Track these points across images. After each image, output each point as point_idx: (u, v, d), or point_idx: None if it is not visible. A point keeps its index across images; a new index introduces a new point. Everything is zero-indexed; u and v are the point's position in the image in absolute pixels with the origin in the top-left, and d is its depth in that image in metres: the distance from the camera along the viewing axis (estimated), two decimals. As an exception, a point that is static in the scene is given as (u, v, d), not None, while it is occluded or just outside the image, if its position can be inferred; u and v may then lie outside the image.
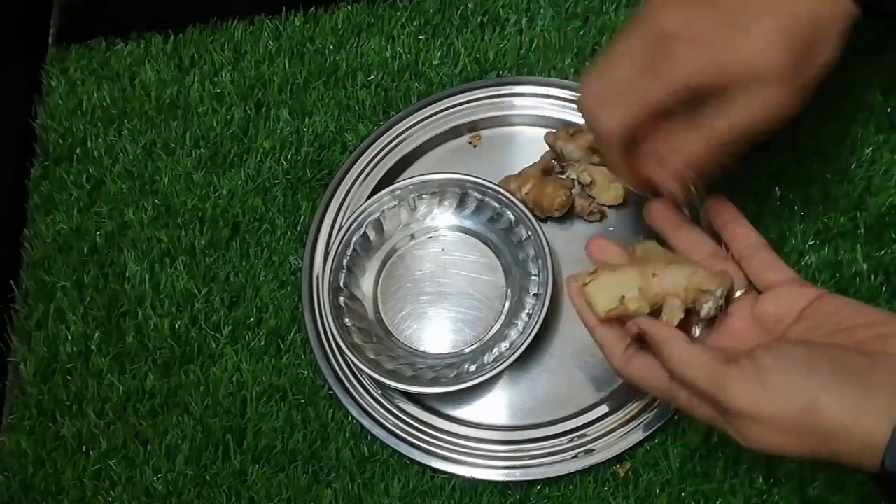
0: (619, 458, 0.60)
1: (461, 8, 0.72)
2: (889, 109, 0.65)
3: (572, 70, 0.70)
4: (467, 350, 0.63)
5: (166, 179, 0.69)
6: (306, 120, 0.70)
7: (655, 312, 0.50)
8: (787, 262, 0.52)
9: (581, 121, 0.67)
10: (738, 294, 0.52)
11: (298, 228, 0.68)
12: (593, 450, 0.59)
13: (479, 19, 0.72)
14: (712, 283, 0.49)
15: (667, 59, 0.47)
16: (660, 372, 0.49)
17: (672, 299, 0.49)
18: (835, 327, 0.46)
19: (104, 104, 0.73)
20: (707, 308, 0.50)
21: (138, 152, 0.71)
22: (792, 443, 0.44)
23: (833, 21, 0.47)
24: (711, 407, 0.46)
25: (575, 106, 0.68)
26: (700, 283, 0.49)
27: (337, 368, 0.63)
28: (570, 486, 0.59)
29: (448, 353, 0.64)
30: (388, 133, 0.69)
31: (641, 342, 0.50)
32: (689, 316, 0.51)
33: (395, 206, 0.65)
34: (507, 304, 0.64)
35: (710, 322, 0.52)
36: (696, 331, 0.53)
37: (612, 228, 0.66)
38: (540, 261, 0.62)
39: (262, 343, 0.64)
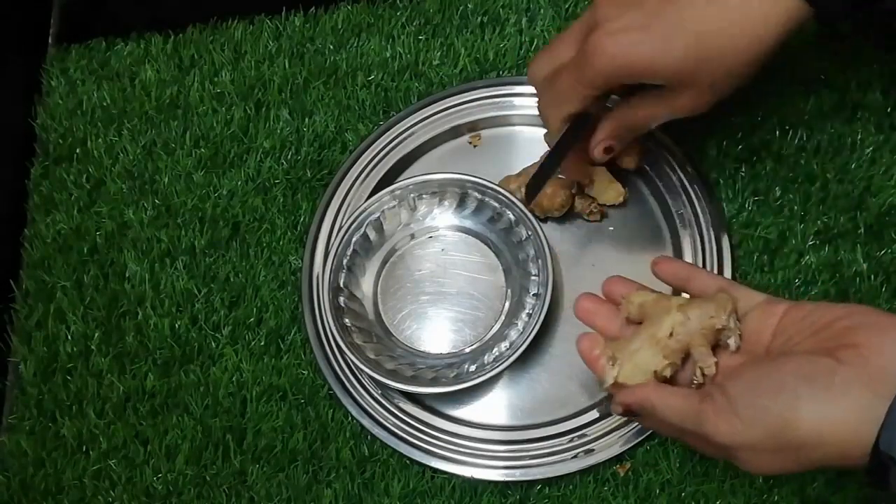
0: (619, 458, 0.60)
1: (461, 8, 0.72)
2: (889, 109, 0.65)
3: (572, 70, 0.70)
4: (467, 350, 0.63)
5: (166, 179, 0.69)
6: (306, 120, 0.70)
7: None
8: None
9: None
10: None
11: (298, 228, 0.68)
12: (593, 450, 0.59)
13: (479, 19, 0.72)
14: (721, 314, 0.49)
15: (591, 51, 0.52)
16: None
17: (697, 349, 0.49)
18: (806, 332, 0.46)
19: (104, 104, 0.73)
20: (733, 342, 0.49)
21: (138, 152, 0.71)
22: (789, 461, 0.44)
23: (743, 36, 0.49)
24: (709, 445, 0.47)
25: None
26: (712, 322, 0.49)
27: (337, 368, 0.63)
28: (570, 486, 0.59)
29: (448, 353, 0.64)
30: (388, 133, 0.69)
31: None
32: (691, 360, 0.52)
33: (395, 206, 0.65)
34: (507, 304, 0.64)
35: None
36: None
37: (612, 228, 0.66)
38: (540, 261, 0.62)
39: (262, 343, 0.64)
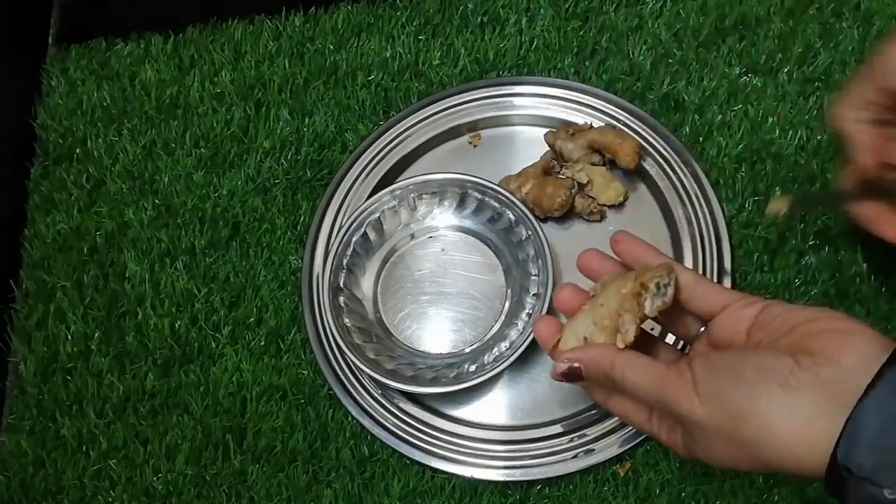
0: (619, 458, 0.60)
1: (461, 8, 0.72)
2: (889, 109, 0.65)
3: (572, 70, 0.70)
4: (467, 350, 0.63)
5: (166, 179, 0.69)
6: (306, 120, 0.70)
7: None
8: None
9: (580, 120, 0.68)
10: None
11: (298, 228, 0.68)
12: (593, 450, 0.59)
13: (479, 19, 0.72)
14: (646, 279, 0.49)
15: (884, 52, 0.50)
16: (637, 409, 0.49)
17: (624, 315, 0.49)
18: (776, 333, 0.45)
19: (104, 104, 0.73)
20: (648, 305, 0.48)
21: (138, 152, 0.71)
22: (742, 456, 0.43)
23: None
24: (674, 422, 0.46)
25: (574, 105, 0.68)
26: (636, 287, 0.49)
27: (337, 368, 0.63)
28: (570, 486, 0.59)
29: (448, 353, 0.64)
30: (388, 133, 0.69)
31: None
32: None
33: (395, 206, 0.65)
34: (507, 304, 0.64)
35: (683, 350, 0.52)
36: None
37: (612, 228, 0.66)
38: (540, 261, 0.62)
39: (262, 343, 0.64)
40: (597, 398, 0.51)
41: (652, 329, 0.54)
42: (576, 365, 0.48)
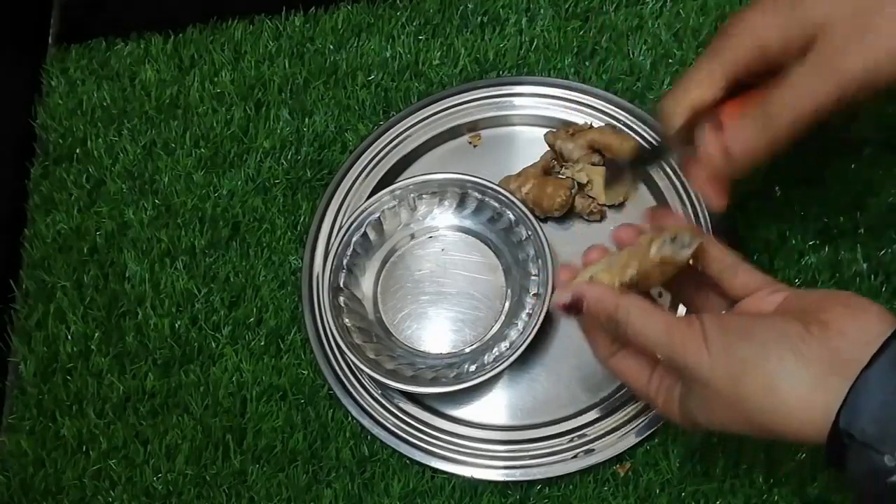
0: (619, 458, 0.60)
1: (461, 8, 0.72)
2: (889, 109, 0.65)
3: (572, 70, 0.70)
4: (467, 350, 0.63)
5: (166, 179, 0.69)
6: (306, 120, 0.70)
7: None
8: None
9: (580, 120, 0.68)
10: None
11: (298, 228, 0.68)
12: (593, 450, 0.59)
13: (479, 19, 0.72)
14: (667, 230, 0.48)
15: (727, 27, 0.47)
16: (638, 369, 0.49)
17: (631, 260, 0.48)
18: (792, 312, 0.46)
19: (104, 104, 0.73)
20: (654, 249, 0.47)
21: (138, 152, 0.71)
22: (740, 418, 0.43)
23: None
24: (674, 381, 0.47)
25: (574, 105, 0.68)
26: (652, 238, 0.48)
27: (337, 368, 0.63)
28: (570, 486, 0.59)
29: (448, 353, 0.64)
30: (388, 133, 0.69)
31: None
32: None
33: (395, 206, 0.65)
34: (507, 304, 0.64)
35: None
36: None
37: (612, 228, 0.65)
38: (540, 261, 0.62)
39: (262, 343, 0.64)
40: (599, 353, 0.50)
41: (660, 295, 0.53)
42: (578, 297, 0.47)
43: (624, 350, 0.50)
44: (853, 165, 0.64)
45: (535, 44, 0.71)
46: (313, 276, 0.65)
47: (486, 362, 0.61)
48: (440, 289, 0.65)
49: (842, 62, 0.45)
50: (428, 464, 0.60)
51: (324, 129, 0.70)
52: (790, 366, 0.42)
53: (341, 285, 0.64)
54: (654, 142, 0.52)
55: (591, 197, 0.65)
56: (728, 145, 0.49)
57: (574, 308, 0.48)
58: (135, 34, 0.75)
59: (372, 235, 0.65)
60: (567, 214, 0.65)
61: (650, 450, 0.60)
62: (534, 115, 0.69)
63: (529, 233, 0.63)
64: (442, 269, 0.66)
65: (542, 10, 0.72)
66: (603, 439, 0.60)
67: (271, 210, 0.68)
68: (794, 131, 0.47)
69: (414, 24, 0.72)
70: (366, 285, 0.66)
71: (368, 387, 0.62)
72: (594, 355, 0.51)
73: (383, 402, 0.62)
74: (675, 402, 0.47)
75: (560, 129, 0.67)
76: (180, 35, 0.74)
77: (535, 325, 0.60)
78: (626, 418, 0.60)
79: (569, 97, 0.68)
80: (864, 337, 0.41)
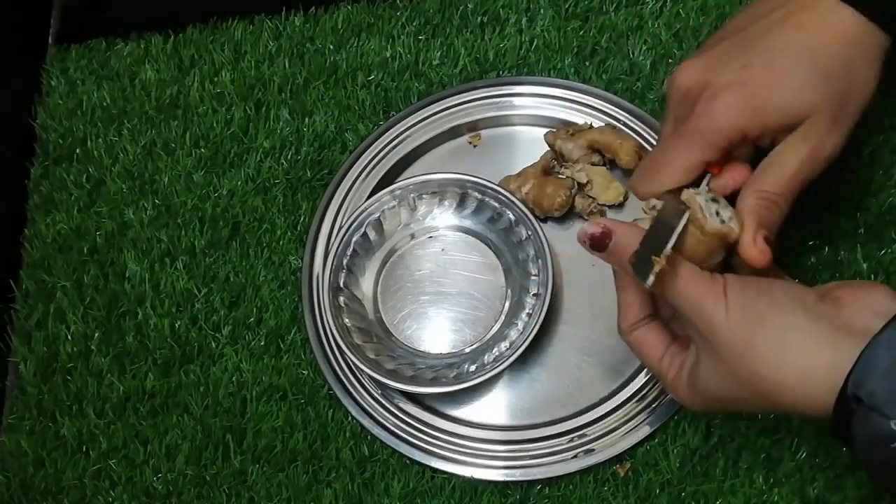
0: (619, 458, 0.60)
1: (461, 8, 0.72)
2: (889, 109, 0.65)
3: (572, 70, 0.70)
4: (467, 350, 0.63)
5: (166, 179, 0.69)
6: (306, 120, 0.70)
7: None
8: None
9: (580, 120, 0.68)
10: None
11: (298, 228, 0.68)
12: (593, 450, 0.59)
13: (479, 19, 0.72)
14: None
15: (704, 111, 0.48)
16: (655, 344, 0.50)
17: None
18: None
19: (104, 104, 0.73)
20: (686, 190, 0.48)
21: (138, 152, 0.71)
22: (744, 389, 0.45)
23: (864, 59, 0.48)
24: (684, 351, 0.48)
25: (574, 105, 0.68)
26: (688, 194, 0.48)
27: (337, 368, 0.63)
28: (570, 486, 0.59)
29: (448, 353, 0.64)
30: (388, 133, 0.69)
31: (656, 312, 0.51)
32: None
33: (395, 206, 0.65)
34: (507, 304, 0.64)
35: None
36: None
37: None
38: (540, 261, 0.62)
39: (262, 343, 0.64)
40: (624, 323, 0.50)
41: None
42: (608, 231, 0.47)
43: (646, 325, 0.50)
44: (853, 165, 0.64)
45: (535, 44, 0.71)
46: (313, 276, 0.65)
47: (486, 362, 0.61)
48: (440, 289, 0.65)
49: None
50: (428, 464, 0.60)
51: (324, 129, 0.70)
52: (802, 322, 0.43)
53: (341, 285, 0.64)
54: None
55: (591, 197, 0.65)
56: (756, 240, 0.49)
57: (600, 242, 0.47)
58: (135, 34, 0.75)
59: (372, 235, 0.65)
60: (567, 214, 0.65)
61: (650, 450, 0.60)
62: (534, 115, 0.69)
63: (529, 233, 0.63)
64: (442, 269, 0.66)
65: (542, 10, 0.72)
66: (603, 439, 0.60)
67: (271, 210, 0.68)
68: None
69: (414, 24, 0.72)
70: (366, 285, 0.66)
71: (368, 387, 0.62)
72: (618, 325, 0.51)
73: (383, 402, 0.62)
74: (685, 377, 0.48)
75: (560, 129, 0.67)
76: (180, 35, 0.74)
77: (535, 325, 0.60)
78: (626, 418, 0.60)
79: (569, 97, 0.68)
80: (875, 309, 0.43)
